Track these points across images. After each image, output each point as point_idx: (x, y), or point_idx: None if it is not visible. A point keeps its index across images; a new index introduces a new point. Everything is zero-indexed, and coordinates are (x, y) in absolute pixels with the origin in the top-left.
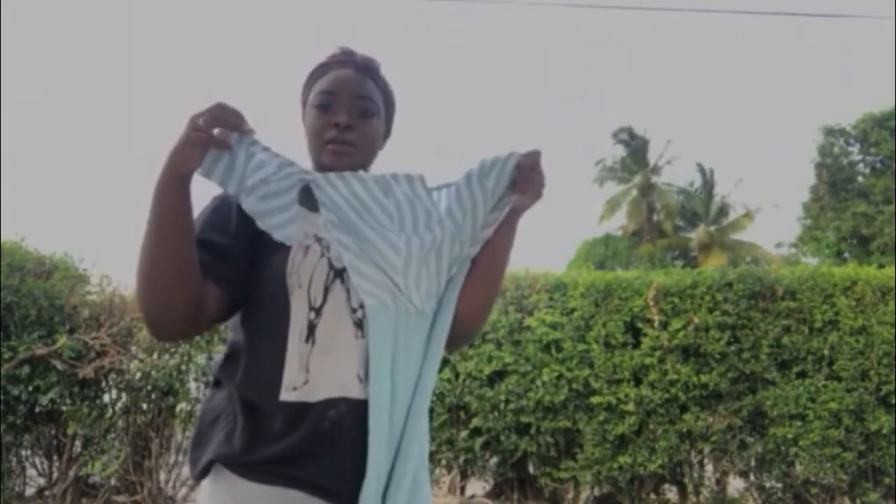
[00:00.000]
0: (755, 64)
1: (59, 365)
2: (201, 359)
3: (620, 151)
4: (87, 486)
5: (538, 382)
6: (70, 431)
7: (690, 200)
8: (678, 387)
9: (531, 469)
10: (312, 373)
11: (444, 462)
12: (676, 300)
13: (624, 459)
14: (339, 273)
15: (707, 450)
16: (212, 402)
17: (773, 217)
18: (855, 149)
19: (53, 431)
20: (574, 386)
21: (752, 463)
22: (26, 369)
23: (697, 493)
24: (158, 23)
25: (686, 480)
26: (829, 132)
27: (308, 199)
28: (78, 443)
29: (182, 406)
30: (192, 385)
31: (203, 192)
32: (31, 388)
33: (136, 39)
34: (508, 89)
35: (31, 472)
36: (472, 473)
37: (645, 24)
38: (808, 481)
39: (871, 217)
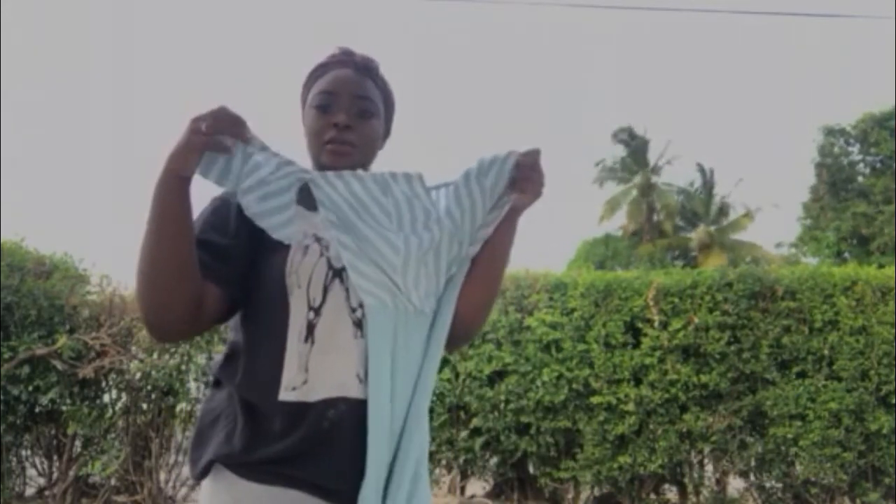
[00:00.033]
0: (755, 64)
1: (59, 365)
2: (201, 359)
3: (620, 151)
4: (87, 486)
5: (538, 382)
6: (70, 431)
7: (690, 200)
8: (678, 387)
9: (531, 469)
10: (311, 373)
11: (444, 462)
12: (676, 300)
13: (624, 459)
14: (339, 272)
15: (707, 450)
16: (212, 402)
17: (773, 217)
18: (855, 149)
19: (53, 431)
20: (574, 386)
21: (752, 463)
22: (26, 369)
23: (697, 493)
24: (158, 23)
25: (686, 480)
26: (829, 132)
27: (307, 198)
28: (78, 443)
29: (182, 406)
30: (192, 385)
31: (203, 193)
32: (31, 388)
33: (136, 39)
34: (508, 89)
35: (31, 472)
36: (472, 473)
37: (645, 24)
38: (808, 481)
39: (871, 217)
